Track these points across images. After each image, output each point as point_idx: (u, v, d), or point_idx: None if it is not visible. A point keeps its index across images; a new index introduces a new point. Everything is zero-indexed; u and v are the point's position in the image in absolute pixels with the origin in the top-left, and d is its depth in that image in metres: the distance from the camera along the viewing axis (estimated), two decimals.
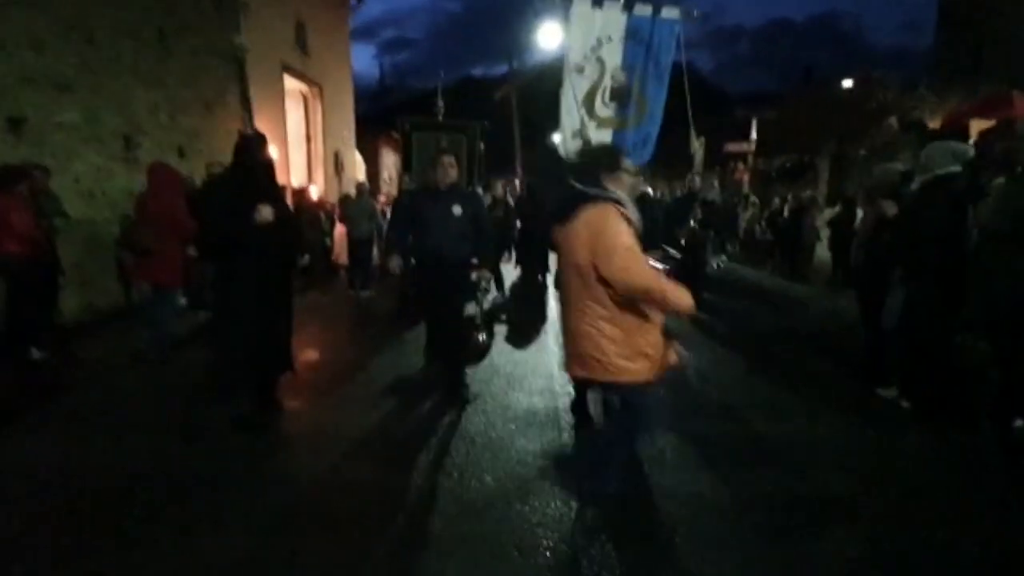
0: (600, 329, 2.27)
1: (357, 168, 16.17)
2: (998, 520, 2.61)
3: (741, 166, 17.90)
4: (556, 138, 7.55)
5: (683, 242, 6.15)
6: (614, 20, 3.63)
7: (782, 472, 3.05)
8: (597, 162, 2.43)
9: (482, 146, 8.14)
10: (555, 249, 2.53)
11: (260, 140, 3.69)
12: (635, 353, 2.27)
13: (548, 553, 2.36)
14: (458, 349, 4.30)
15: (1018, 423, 3.30)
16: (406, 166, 7.65)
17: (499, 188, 9.17)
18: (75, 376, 4.58)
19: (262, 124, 10.44)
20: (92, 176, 6.45)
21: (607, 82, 3.71)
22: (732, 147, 17.76)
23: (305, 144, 13.20)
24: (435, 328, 4.39)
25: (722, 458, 3.18)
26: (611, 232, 2.18)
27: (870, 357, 4.42)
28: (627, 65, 3.70)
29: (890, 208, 4.12)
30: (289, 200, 9.94)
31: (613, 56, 3.68)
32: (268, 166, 3.67)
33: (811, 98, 18.86)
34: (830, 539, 2.47)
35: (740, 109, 21.44)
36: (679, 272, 4.00)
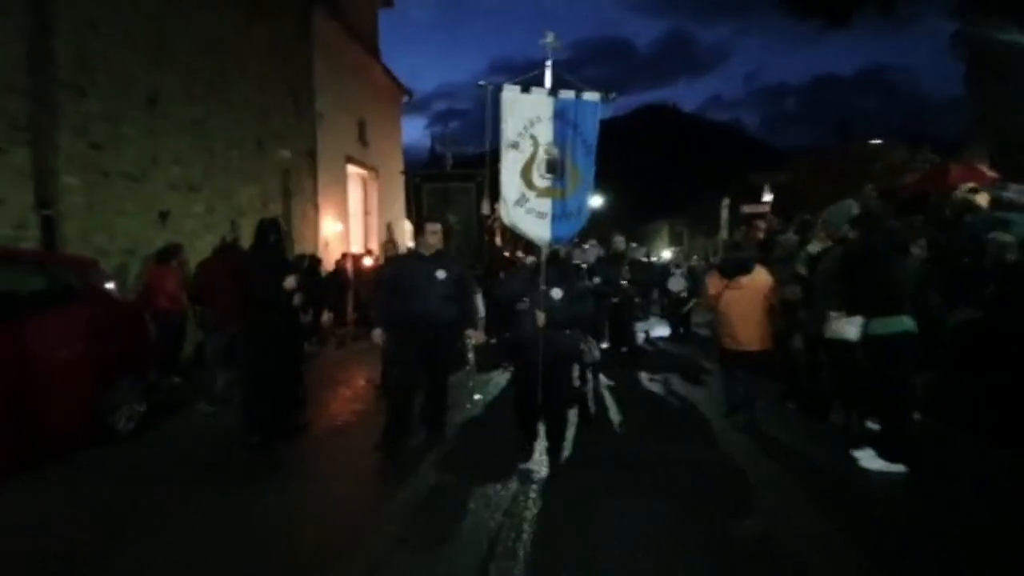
0: (765, 322, 4.74)
1: (406, 235, 18.48)
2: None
3: (762, 224, 19.15)
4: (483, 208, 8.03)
5: (615, 301, 6.86)
6: (542, 103, 3.98)
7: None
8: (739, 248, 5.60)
9: None
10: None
11: (273, 224, 4.73)
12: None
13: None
14: (443, 410, 4.55)
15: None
16: (418, 217, 7.83)
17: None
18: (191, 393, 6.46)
19: (329, 205, 12.80)
20: (207, 250, 8.62)
21: (541, 155, 3.99)
22: (748, 208, 19.03)
23: (363, 218, 15.57)
24: (415, 388, 4.50)
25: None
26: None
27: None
28: (557, 141, 3.99)
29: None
30: (349, 265, 12.02)
31: (545, 133, 3.99)
32: (277, 244, 4.66)
33: (817, 160, 20.05)
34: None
35: (753, 173, 22.78)
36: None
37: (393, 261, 5.53)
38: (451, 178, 8.44)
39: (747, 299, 4.71)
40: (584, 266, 6.75)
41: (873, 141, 22.38)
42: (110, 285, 5.19)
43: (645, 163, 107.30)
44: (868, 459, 3.96)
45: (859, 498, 3.62)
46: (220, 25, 9.06)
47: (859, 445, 4.11)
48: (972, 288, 4.89)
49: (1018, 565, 2.89)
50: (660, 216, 49.67)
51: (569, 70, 4.10)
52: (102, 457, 4.25)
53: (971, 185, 7.39)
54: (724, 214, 24.76)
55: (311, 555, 2.95)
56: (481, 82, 4.00)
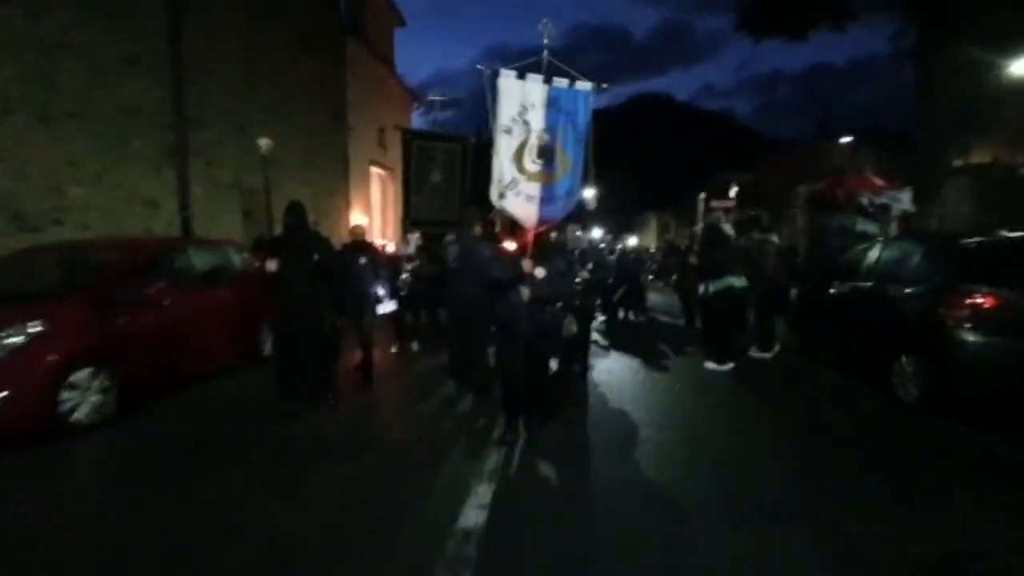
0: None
1: None
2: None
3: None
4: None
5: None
6: (536, 90, 4.10)
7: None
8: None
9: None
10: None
11: (297, 208, 5.06)
12: None
13: None
14: (483, 374, 5.34)
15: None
16: (406, 176, 8.62)
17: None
18: None
19: (357, 201, 15.31)
20: None
21: (533, 141, 4.11)
22: (716, 203, 21.66)
23: (382, 212, 18.08)
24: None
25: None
26: None
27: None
28: (549, 128, 4.12)
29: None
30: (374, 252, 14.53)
31: (537, 120, 4.11)
32: (301, 226, 5.04)
33: (779, 158, 22.64)
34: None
35: (722, 172, 25.37)
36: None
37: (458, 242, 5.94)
38: (439, 138, 9.06)
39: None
40: (576, 252, 6.29)
41: (843, 139, 24.99)
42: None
43: (639, 154, 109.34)
44: (710, 364, 6.75)
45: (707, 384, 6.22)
46: (283, 63, 11.51)
47: (707, 359, 6.88)
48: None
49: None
50: (651, 207, 52.71)
51: (566, 57, 4.13)
52: (257, 374, 6.76)
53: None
54: (700, 207, 27.52)
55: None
56: (480, 65, 4.11)
